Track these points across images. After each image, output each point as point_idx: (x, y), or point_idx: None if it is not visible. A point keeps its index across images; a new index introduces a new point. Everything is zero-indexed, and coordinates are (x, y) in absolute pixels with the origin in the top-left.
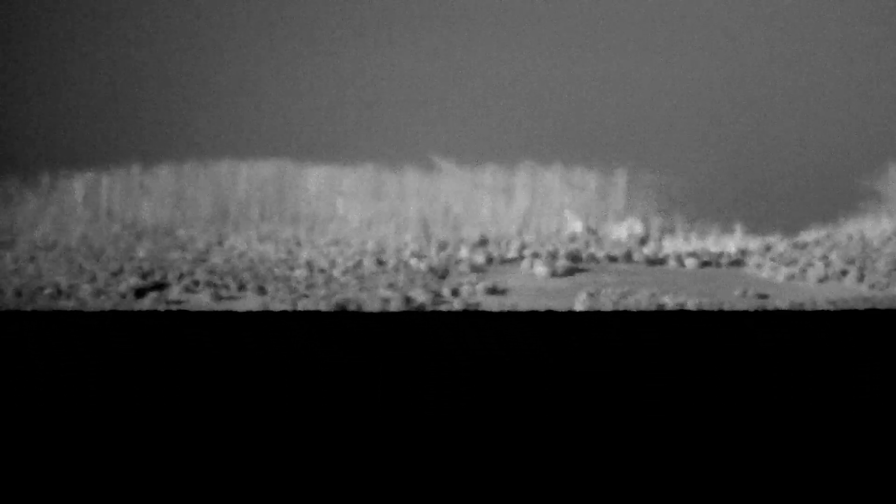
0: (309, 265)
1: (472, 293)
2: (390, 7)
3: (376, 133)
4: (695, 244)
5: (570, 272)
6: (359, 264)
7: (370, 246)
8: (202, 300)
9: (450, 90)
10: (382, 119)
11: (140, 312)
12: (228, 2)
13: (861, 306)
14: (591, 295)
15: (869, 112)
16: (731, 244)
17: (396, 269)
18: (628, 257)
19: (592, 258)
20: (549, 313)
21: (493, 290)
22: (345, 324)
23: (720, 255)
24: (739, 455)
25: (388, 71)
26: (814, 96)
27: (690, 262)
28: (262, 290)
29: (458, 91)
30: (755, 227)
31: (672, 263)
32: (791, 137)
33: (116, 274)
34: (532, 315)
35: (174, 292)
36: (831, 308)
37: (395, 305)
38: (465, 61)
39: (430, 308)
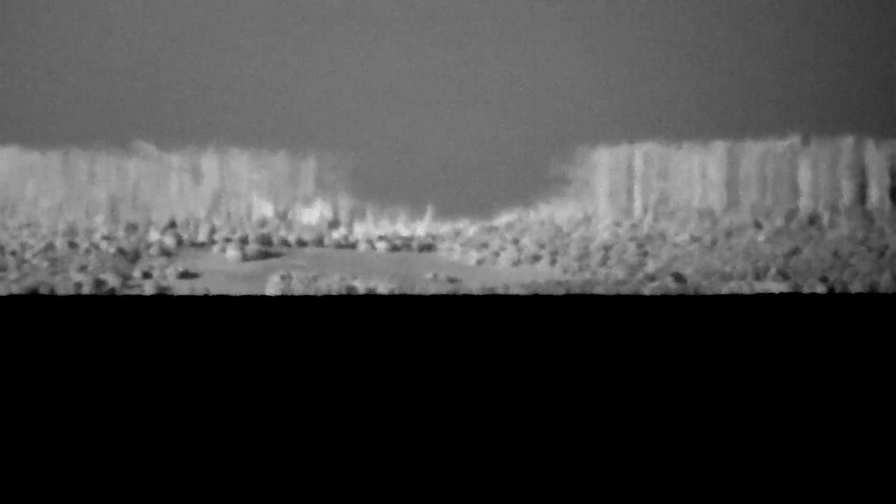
0: (0, 248)
1: (162, 276)
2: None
3: (65, 114)
4: (385, 228)
5: (261, 256)
6: (50, 247)
7: (61, 228)
8: None
9: (142, 72)
10: (71, 101)
11: None
12: None
13: (555, 291)
14: (283, 278)
15: (558, 95)
16: (420, 228)
17: (88, 252)
18: (319, 242)
19: (283, 242)
20: (242, 298)
21: (184, 274)
22: (37, 307)
23: (411, 238)
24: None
25: (80, 52)
26: (503, 81)
27: (381, 246)
28: None
29: (147, 73)
30: (445, 211)
31: (363, 247)
32: (481, 121)
33: None
34: (224, 299)
35: None
36: (524, 292)
37: (86, 289)
38: (156, 42)
39: (121, 292)
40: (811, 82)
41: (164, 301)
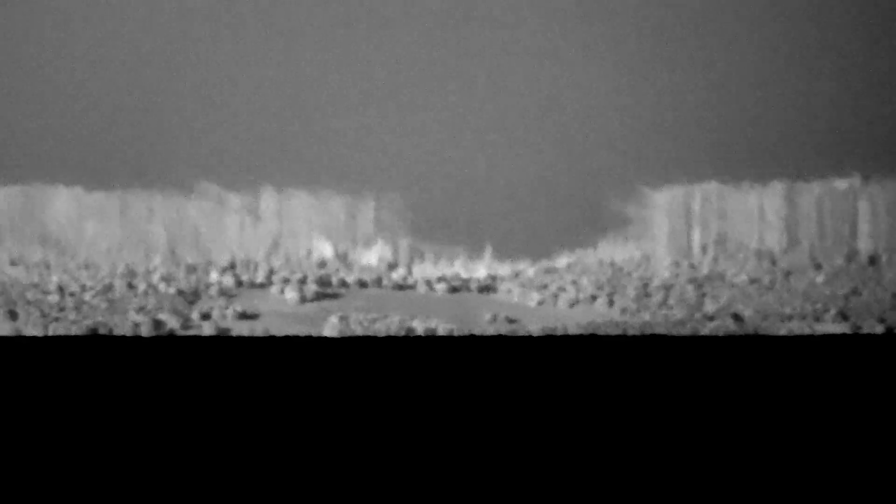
0: (61, 289)
1: (222, 317)
2: (125, 32)
3: (124, 156)
4: (444, 269)
5: (319, 297)
6: (109, 288)
7: (120, 269)
8: None
9: (197, 113)
10: (130, 142)
11: None
12: None
13: (612, 331)
14: (341, 319)
15: (619, 136)
16: (480, 269)
17: (146, 293)
18: (378, 282)
19: (342, 283)
20: (301, 338)
21: (243, 315)
22: (96, 348)
23: (470, 280)
24: (497, 481)
25: (133, 95)
26: (560, 122)
27: (440, 287)
28: (13, 315)
29: (205, 114)
30: (505, 251)
31: (422, 288)
32: (540, 161)
33: None
34: (282, 340)
35: None
36: (582, 333)
37: (145, 330)
38: (214, 83)
39: (180, 332)
40: (871, 122)
41: (222, 342)
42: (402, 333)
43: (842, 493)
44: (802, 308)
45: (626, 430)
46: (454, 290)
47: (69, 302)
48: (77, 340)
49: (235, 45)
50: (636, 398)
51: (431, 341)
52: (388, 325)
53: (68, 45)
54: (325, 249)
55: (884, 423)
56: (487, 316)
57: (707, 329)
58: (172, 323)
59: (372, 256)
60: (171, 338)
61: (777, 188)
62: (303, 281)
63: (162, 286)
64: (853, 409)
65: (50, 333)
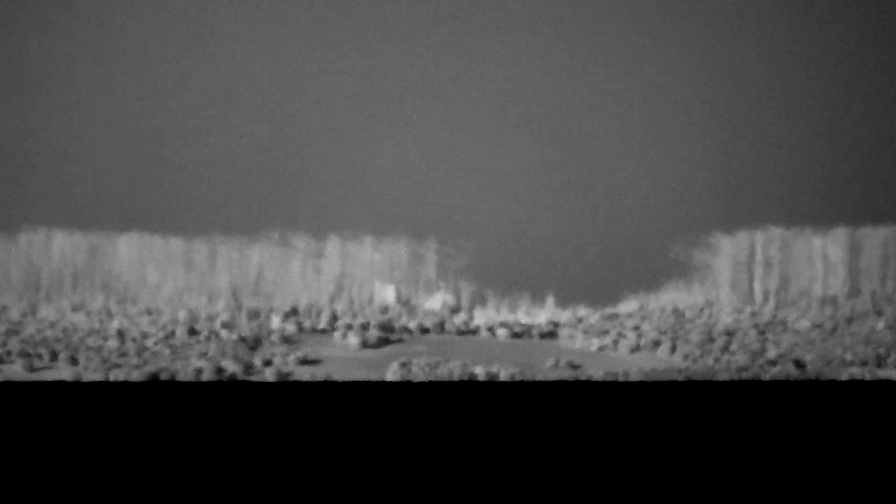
0: (121, 334)
1: (284, 363)
2: (178, 79)
3: (185, 201)
4: (506, 315)
5: (382, 343)
6: (171, 334)
7: (182, 315)
8: (15, 370)
9: (256, 160)
10: (194, 187)
11: None
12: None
13: (675, 377)
14: (403, 365)
15: (678, 182)
16: (542, 315)
17: (208, 339)
18: (440, 328)
19: (405, 329)
20: (363, 383)
21: (305, 361)
22: (157, 393)
23: (531, 326)
24: None
25: (202, 140)
26: (618, 166)
27: (502, 333)
28: (74, 361)
29: (264, 160)
30: (567, 298)
31: (484, 334)
32: (600, 208)
33: None
34: (346, 385)
35: None
36: (644, 379)
37: (207, 375)
38: (277, 126)
39: (241, 377)
40: None
41: (284, 387)
42: (465, 378)
43: None
44: (864, 354)
45: (688, 475)
46: (516, 335)
47: (130, 348)
48: (138, 386)
49: (300, 89)
50: (697, 443)
51: (493, 386)
52: (449, 370)
53: (138, 89)
54: (388, 294)
55: None
56: (550, 361)
57: (769, 375)
58: (233, 369)
59: (435, 302)
60: (233, 383)
61: (840, 233)
62: (365, 326)
63: (224, 332)
64: None
65: (111, 379)
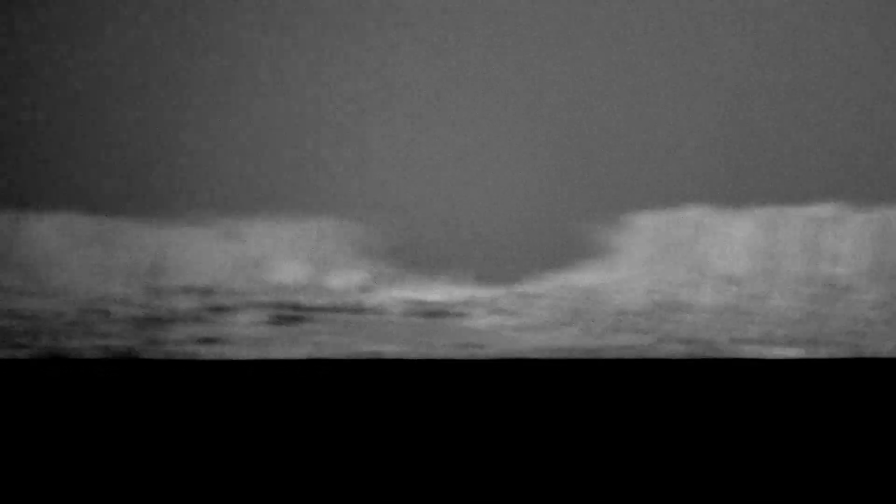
0: (24, 314)
1: (187, 341)
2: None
3: (83, 178)
4: (413, 293)
5: (290, 321)
6: (73, 313)
7: (85, 295)
8: None
9: (165, 137)
10: (94, 165)
11: None
12: None
13: (584, 356)
14: (314, 345)
15: (589, 160)
16: (455, 293)
17: (109, 317)
18: (348, 306)
19: (313, 307)
20: (268, 361)
21: (207, 340)
22: (61, 371)
23: (438, 304)
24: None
25: (97, 112)
26: (537, 144)
27: (409, 311)
28: None
29: (172, 136)
30: (478, 278)
31: (392, 312)
32: (511, 184)
33: None
34: (250, 364)
35: None
36: (552, 357)
37: (110, 353)
38: (182, 111)
39: (146, 356)
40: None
41: (187, 365)
42: (372, 357)
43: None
44: (761, 333)
45: (588, 452)
46: (428, 314)
47: (32, 326)
48: (37, 363)
49: (220, 69)
50: (599, 420)
51: (400, 364)
52: (357, 348)
53: (68, 64)
54: (296, 273)
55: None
56: (454, 340)
57: (673, 354)
58: (136, 346)
59: (343, 280)
60: (134, 360)
61: (755, 214)
62: (271, 305)
63: (124, 311)
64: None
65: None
